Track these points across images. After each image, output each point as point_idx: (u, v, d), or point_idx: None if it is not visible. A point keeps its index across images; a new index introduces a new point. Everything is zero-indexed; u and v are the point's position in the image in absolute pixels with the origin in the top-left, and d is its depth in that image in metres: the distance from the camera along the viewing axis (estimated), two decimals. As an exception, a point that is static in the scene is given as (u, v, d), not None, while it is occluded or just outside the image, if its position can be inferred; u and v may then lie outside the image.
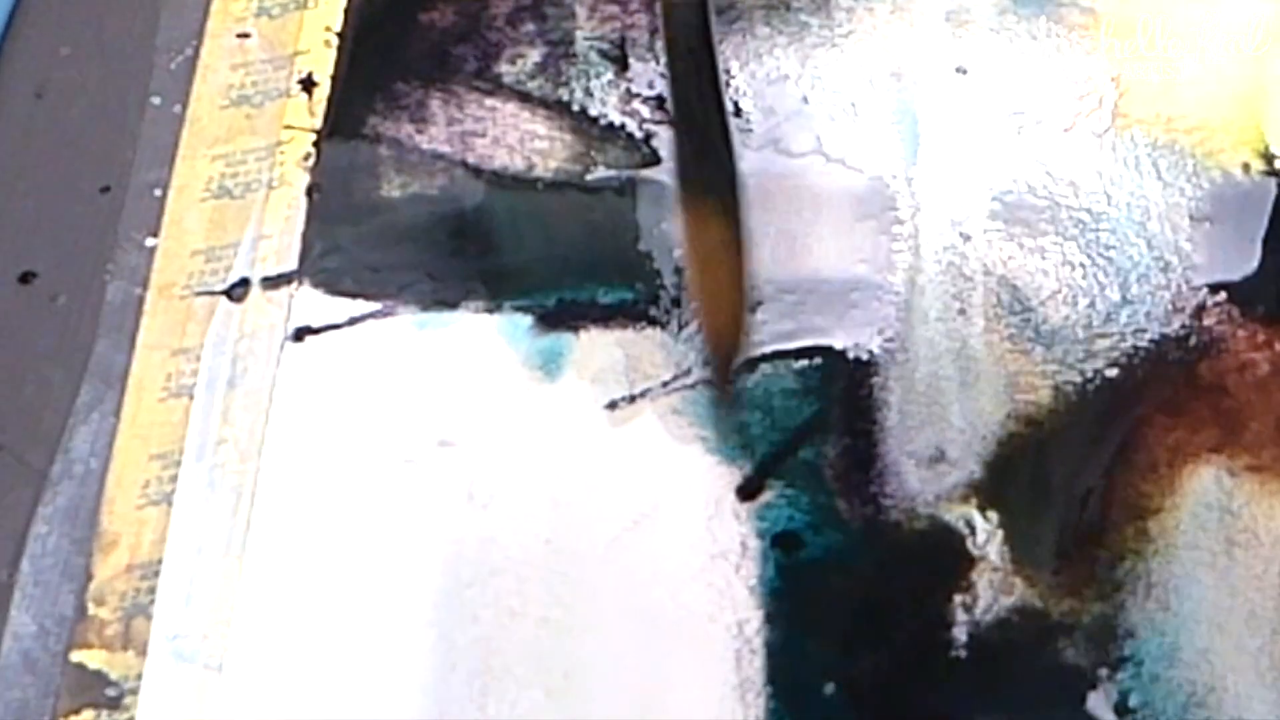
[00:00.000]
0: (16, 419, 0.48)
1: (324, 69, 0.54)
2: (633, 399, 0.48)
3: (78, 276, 0.51)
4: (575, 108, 0.53)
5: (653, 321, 0.49)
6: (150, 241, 0.51)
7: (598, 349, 0.49)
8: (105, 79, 0.54)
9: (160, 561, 0.46)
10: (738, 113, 0.53)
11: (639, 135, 0.52)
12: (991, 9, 0.55)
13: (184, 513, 0.46)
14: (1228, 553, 0.45)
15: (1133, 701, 0.43)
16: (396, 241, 0.51)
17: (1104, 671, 0.44)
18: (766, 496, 0.46)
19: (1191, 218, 0.51)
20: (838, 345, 0.49)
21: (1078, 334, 0.49)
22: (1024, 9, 0.55)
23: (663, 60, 0.52)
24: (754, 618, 0.45)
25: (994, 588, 0.45)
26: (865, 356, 0.48)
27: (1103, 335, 0.49)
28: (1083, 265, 0.50)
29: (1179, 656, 0.44)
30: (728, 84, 0.53)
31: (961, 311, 0.49)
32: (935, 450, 0.47)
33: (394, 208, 0.52)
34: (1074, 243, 0.50)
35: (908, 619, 0.45)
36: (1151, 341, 0.49)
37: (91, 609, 0.45)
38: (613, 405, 0.48)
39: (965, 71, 0.53)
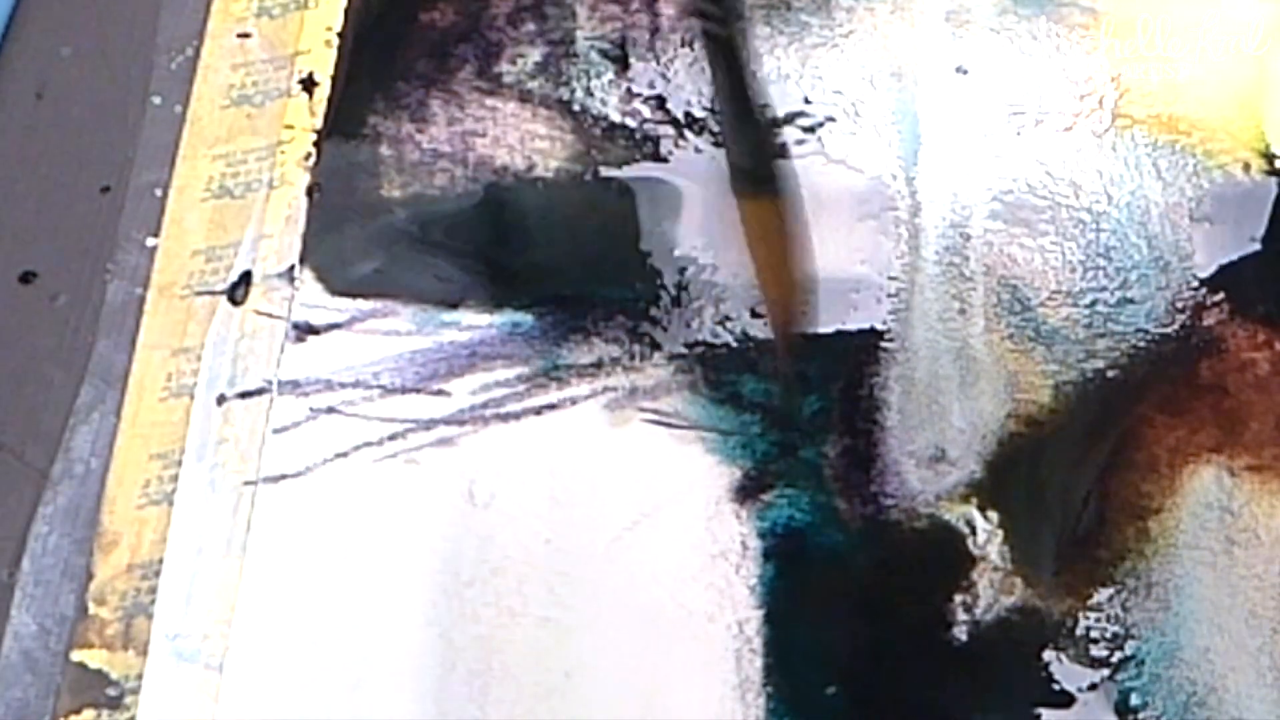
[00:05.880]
0: (17, 419, 0.48)
1: (324, 69, 0.54)
2: (633, 398, 0.48)
3: (78, 276, 0.51)
4: (576, 107, 0.53)
5: (653, 321, 0.49)
6: (151, 241, 0.51)
7: (599, 349, 0.49)
8: (105, 79, 0.54)
9: (161, 561, 0.46)
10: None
11: (640, 135, 0.52)
12: (991, 9, 0.55)
13: (184, 513, 0.46)
14: (1228, 552, 0.45)
15: (1133, 701, 0.43)
16: (396, 241, 0.51)
17: (1104, 671, 0.44)
18: (766, 496, 0.46)
19: (1191, 218, 0.51)
20: (838, 345, 0.49)
21: (1078, 334, 0.49)
22: (1024, 9, 0.55)
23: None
24: (754, 618, 0.45)
25: (994, 588, 0.45)
26: (865, 356, 0.48)
27: (1103, 335, 0.49)
28: (1083, 265, 0.50)
29: (1179, 656, 0.44)
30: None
31: (961, 311, 0.49)
32: (935, 450, 0.47)
33: (394, 208, 0.52)
34: (1074, 243, 0.50)
35: (908, 619, 0.45)
36: (1151, 341, 0.49)
37: (92, 608, 0.45)
38: (612, 405, 0.48)
39: (965, 71, 0.53)
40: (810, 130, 0.52)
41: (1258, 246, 0.50)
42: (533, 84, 0.54)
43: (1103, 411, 0.48)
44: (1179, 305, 0.49)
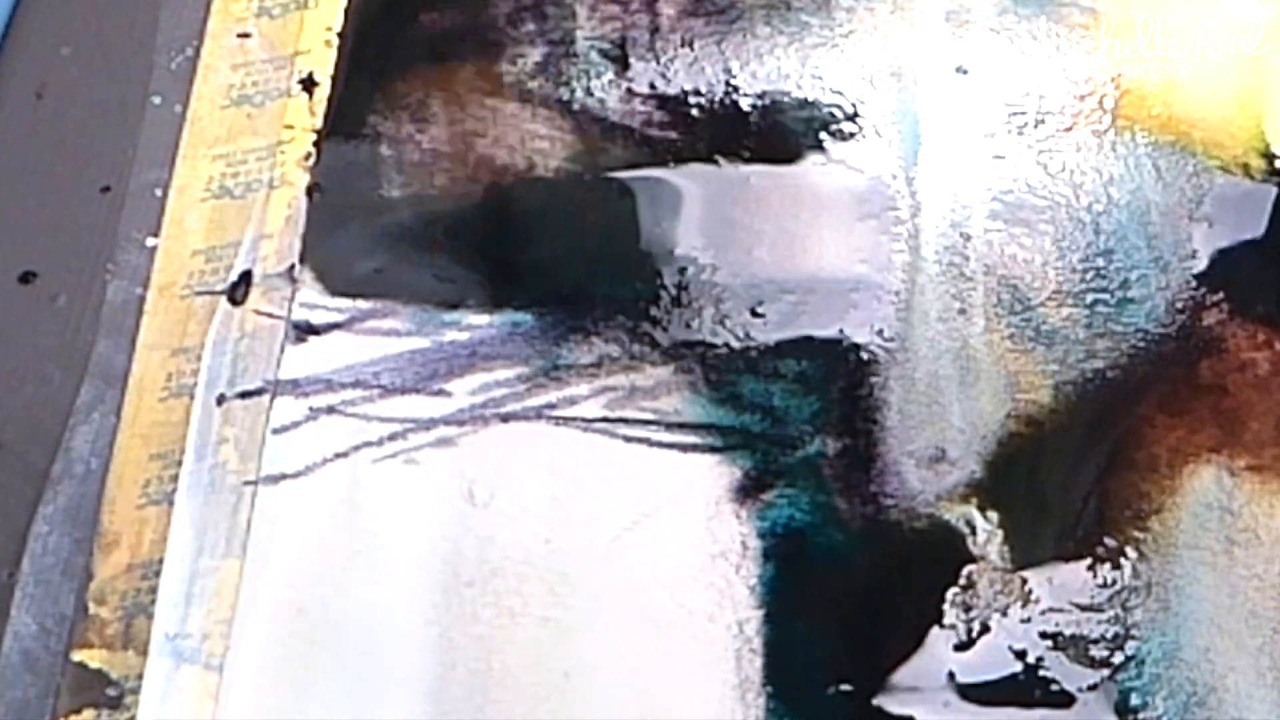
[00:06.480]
0: (17, 419, 0.48)
1: (324, 69, 0.54)
2: (633, 398, 0.48)
3: (78, 276, 0.51)
4: (576, 107, 0.53)
5: (653, 321, 0.49)
6: (151, 241, 0.51)
7: (599, 349, 0.49)
8: (105, 79, 0.54)
9: (161, 561, 0.46)
10: (738, 113, 0.53)
11: (639, 135, 0.52)
12: (991, 9, 0.55)
13: (184, 513, 0.46)
14: (1228, 552, 0.45)
15: (1133, 701, 0.43)
16: (396, 241, 0.51)
17: (1104, 671, 0.44)
18: (766, 496, 0.46)
19: (1191, 218, 0.51)
20: (838, 345, 0.49)
21: (1078, 334, 0.49)
22: (1024, 9, 0.55)
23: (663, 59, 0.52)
24: (754, 618, 0.45)
25: (994, 588, 0.45)
26: (865, 356, 0.49)
27: (1103, 335, 0.49)
28: (1083, 265, 0.50)
29: (1179, 656, 0.44)
30: (727, 84, 0.53)
31: (961, 311, 0.49)
32: (936, 450, 0.47)
33: (394, 208, 0.52)
34: (1074, 243, 0.50)
35: (908, 619, 0.45)
36: (1151, 341, 0.49)
37: (92, 608, 0.45)
38: (612, 405, 0.48)
39: (965, 71, 0.53)
40: (810, 130, 0.52)
41: (1258, 247, 0.50)
42: (533, 84, 0.54)
43: (1103, 411, 0.48)
44: (1179, 305, 0.49)
